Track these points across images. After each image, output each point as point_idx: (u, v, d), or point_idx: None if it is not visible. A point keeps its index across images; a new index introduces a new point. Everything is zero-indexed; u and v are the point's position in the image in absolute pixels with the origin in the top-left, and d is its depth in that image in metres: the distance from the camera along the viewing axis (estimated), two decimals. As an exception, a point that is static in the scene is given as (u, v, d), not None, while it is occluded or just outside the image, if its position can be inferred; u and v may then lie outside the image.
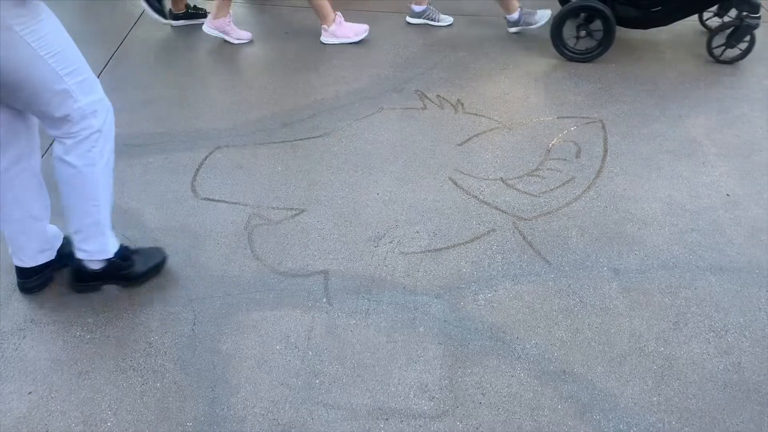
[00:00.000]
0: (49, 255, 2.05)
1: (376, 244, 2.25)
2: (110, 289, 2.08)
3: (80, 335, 1.93)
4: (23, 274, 2.03)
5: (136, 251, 2.12)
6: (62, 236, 2.09)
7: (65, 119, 1.73)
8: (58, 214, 1.99)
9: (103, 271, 2.03)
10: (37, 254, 2.02)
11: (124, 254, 2.06)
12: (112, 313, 2.00)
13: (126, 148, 2.74)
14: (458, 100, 3.14)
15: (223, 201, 2.45)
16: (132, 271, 2.07)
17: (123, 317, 1.99)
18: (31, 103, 1.70)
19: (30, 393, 1.76)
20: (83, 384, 1.79)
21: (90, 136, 1.79)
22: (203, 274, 2.14)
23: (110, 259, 2.01)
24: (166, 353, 1.87)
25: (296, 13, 4.15)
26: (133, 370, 1.82)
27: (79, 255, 1.99)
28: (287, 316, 1.98)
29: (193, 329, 1.94)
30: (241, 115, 3.06)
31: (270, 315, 1.99)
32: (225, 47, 3.73)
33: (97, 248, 1.99)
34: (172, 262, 2.18)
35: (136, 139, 2.83)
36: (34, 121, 1.86)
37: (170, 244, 2.24)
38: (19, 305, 2.02)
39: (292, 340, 1.90)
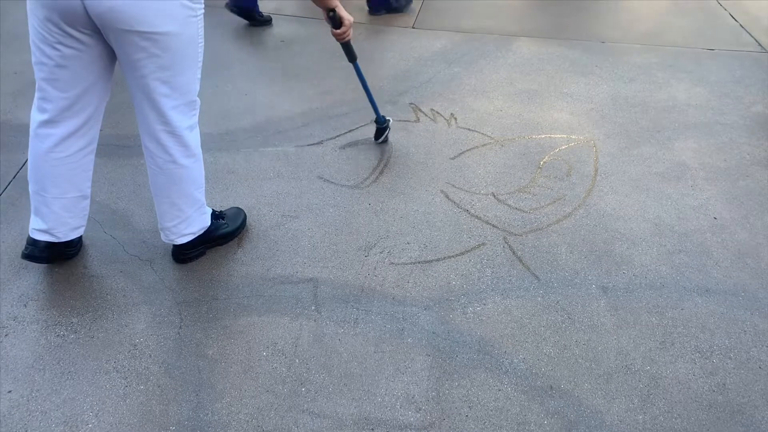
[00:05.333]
0: (80, 231, 2.11)
1: (366, 254, 2.25)
2: (95, 289, 2.05)
3: (64, 335, 1.90)
4: (38, 244, 2.03)
5: (222, 213, 2.28)
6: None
7: (195, 104, 1.93)
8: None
9: (205, 234, 2.17)
10: (73, 231, 2.07)
11: (216, 214, 2.24)
12: (97, 314, 1.97)
13: (117, 149, 2.73)
14: (451, 114, 3.16)
15: (214, 206, 2.44)
16: (228, 230, 2.26)
17: (108, 318, 1.96)
18: (182, 80, 1.82)
19: (10, 392, 1.73)
20: (65, 384, 1.76)
21: (197, 125, 2.00)
22: (191, 277, 2.12)
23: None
24: (151, 356, 1.85)
25: (291, 23, 4.17)
26: (117, 371, 1.80)
27: (182, 240, 2.10)
28: (275, 322, 1.97)
29: (179, 332, 1.92)
30: (235, 121, 3.05)
31: (257, 321, 1.97)
32: (219, 54, 3.73)
33: (200, 226, 2.14)
34: (160, 265, 2.16)
35: (128, 140, 2.81)
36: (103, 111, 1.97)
37: (159, 247, 2.22)
38: (1, 303, 1.99)
39: (279, 347, 1.89)
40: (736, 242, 2.37)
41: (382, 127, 2.86)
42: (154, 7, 1.62)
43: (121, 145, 2.75)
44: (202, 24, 1.79)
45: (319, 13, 2.33)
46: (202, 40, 1.81)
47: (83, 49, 1.73)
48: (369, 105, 2.78)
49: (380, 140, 2.89)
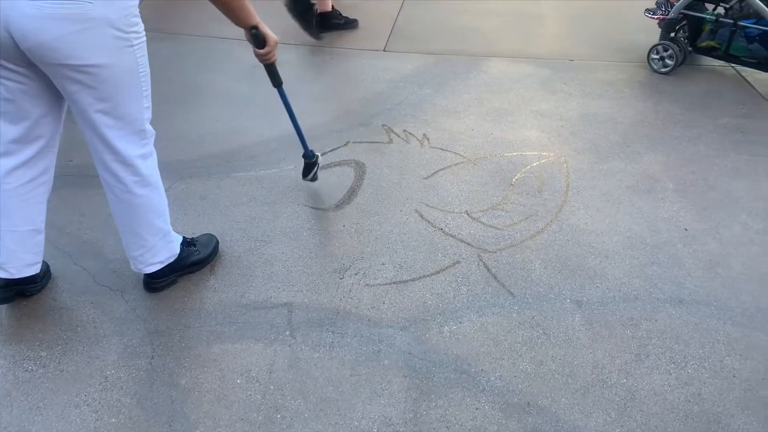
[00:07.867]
0: (36, 269, 2.04)
1: (341, 276, 2.24)
2: (65, 322, 2.02)
3: (33, 369, 1.86)
4: None
5: (193, 241, 2.26)
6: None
7: (145, 132, 1.87)
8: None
9: (176, 262, 2.14)
10: (27, 267, 2.00)
11: (187, 241, 2.22)
12: (67, 347, 1.93)
13: (87, 179, 2.70)
14: (424, 134, 3.18)
15: (186, 233, 2.42)
16: (199, 257, 2.24)
17: (78, 351, 1.92)
18: (125, 111, 1.78)
19: (-24, 430, 1.69)
20: (34, 420, 1.71)
21: (153, 153, 1.94)
22: (163, 306, 2.09)
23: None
24: (122, 387, 1.81)
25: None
26: (87, 405, 1.76)
27: (149, 270, 2.07)
28: (249, 349, 1.95)
29: (151, 363, 1.89)
30: (206, 147, 3.04)
31: (231, 348, 1.95)
32: (190, 80, 3.73)
33: (167, 255, 2.10)
34: (131, 295, 2.13)
35: (98, 169, 2.78)
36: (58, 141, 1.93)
37: (130, 277, 2.19)
38: (-32, 338, 1.95)
39: (254, 374, 1.86)
40: (706, 252, 2.40)
41: (310, 162, 2.69)
42: (83, 40, 1.58)
43: (91, 175, 2.70)
44: (144, 52, 1.75)
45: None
46: (145, 69, 1.77)
47: (27, 82, 1.71)
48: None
49: (308, 177, 2.71)
